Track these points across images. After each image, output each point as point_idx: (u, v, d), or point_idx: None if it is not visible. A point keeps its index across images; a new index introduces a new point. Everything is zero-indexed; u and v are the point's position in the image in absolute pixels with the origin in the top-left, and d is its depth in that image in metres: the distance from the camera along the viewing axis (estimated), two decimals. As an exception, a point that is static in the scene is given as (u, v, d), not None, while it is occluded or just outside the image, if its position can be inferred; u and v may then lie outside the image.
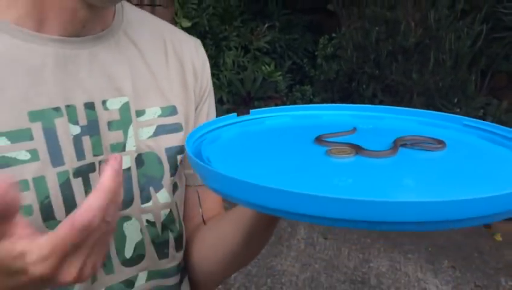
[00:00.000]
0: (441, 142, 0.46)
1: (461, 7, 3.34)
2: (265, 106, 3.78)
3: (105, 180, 0.36)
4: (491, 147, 0.48)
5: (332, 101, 3.54)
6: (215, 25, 4.08)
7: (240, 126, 0.54)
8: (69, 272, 0.37)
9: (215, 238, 0.65)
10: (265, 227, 0.57)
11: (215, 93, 4.10)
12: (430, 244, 2.80)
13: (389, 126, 0.55)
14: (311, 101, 3.74)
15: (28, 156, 0.52)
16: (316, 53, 3.84)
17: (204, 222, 0.67)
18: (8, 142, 0.51)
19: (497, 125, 0.49)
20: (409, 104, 3.13)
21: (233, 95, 3.89)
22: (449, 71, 3.03)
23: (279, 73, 4.00)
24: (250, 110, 0.55)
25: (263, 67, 4.00)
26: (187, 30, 3.92)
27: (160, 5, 3.85)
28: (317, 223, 0.29)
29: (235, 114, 0.54)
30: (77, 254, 0.36)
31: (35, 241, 0.35)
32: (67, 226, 0.35)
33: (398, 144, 0.45)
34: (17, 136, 0.51)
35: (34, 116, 0.52)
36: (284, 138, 0.51)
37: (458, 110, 3.00)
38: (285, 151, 0.47)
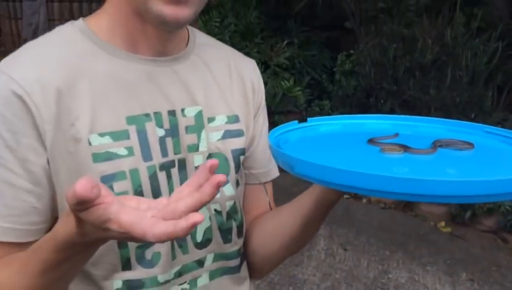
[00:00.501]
0: (470, 143, 0.57)
1: (477, 25, 3.44)
2: (285, 119, 3.89)
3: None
4: (508, 147, 0.59)
5: (351, 116, 3.63)
6: (237, 42, 4.22)
7: (301, 131, 0.65)
8: None
9: (276, 225, 0.75)
10: (321, 215, 0.68)
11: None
12: (449, 257, 2.85)
13: (424, 132, 0.66)
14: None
15: (125, 152, 0.63)
16: (335, 69, 3.95)
17: (271, 208, 0.78)
18: (111, 140, 0.62)
19: (505, 130, 0.59)
20: (426, 119, 3.21)
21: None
22: (466, 87, 3.12)
23: (298, 88, 4.12)
24: (307, 118, 0.66)
25: (283, 83, 4.12)
26: (209, 46, 4.06)
27: (185, 23, 4.01)
28: (389, 198, 0.40)
29: (296, 121, 0.65)
30: None
31: (120, 215, 0.42)
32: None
33: (437, 144, 0.56)
34: (118, 135, 0.63)
35: (130, 120, 0.64)
36: (340, 140, 0.62)
37: (475, 125, 3.07)
38: (345, 150, 0.58)
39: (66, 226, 0.47)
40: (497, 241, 3.03)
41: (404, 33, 3.41)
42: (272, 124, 0.63)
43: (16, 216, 0.60)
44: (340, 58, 3.87)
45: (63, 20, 4.48)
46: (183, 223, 0.40)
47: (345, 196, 3.33)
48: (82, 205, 0.41)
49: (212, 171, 0.44)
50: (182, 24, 0.63)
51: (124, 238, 0.45)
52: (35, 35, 5.07)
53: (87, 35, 0.65)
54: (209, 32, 4.09)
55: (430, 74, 3.23)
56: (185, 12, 0.61)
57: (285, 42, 4.40)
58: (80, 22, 0.67)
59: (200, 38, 0.75)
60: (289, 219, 0.71)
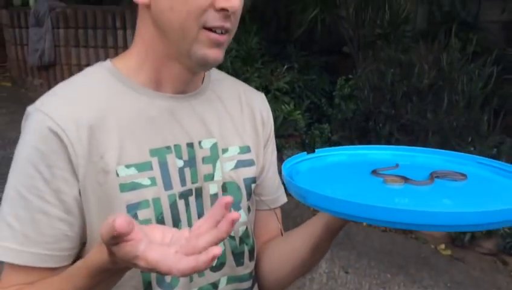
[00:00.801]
0: (463, 174, 0.63)
1: (472, 50, 3.54)
2: (286, 143, 3.95)
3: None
4: (499, 178, 0.65)
5: (350, 139, 3.69)
6: (238, 67, 4.31)
7: (310, 162, 0.71)
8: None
9: (287, 249, 0.80)
10: (329, 238, 0.73)
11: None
12: (449, 279, 2.87)
13: (422, 162, 0.72)
14: (329, 139, 3.89)
15: (149, 182, 0.68)
16: (334, 93, 4.03)
17: (282, 233, 0.84)
18: (136, 171, 0.68)
19: (503, 163, 0.66)
20: (425, 142, 3.26)
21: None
22: (462, 111, 3.19)
23: (298, 112, 4.19)
24: (315, 150, 0.71)
25: (283, 107, 4.19)
26: (211, 71, 4.15)
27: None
28: (391, 227, 0.45)
29: (305, 153, 0.71)
30: None
31: (146, 253, 0.47)
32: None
33: (434, 175, 0.61)
34: (142, 167, 0.68)
35: (153, 152, 0.70)
36: (346, 170, 0.68)
37: (472, 148, 3.13)
38: (351, 180, 0.63)
39: (100, 253, 0.52)
40: (496, 263, 3.05)
41: (401, 59, 3.50)
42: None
43: (50, 243, 0.65)
44: (339, 82, 3.95)
45: (68, 46, 4.55)
46: (204, 258, 0.45)
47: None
48: (115, 240, 0.46)
49: (228, 207, 0.49)
50: (218, 64, 0.71)
51: (150, 271, 0.50)
52: (40, 60, 5.17)
53: (115, 75, 0.72)
54: (211, 58, 4.19)
55: (427, 98, 3.30)
56: (221, 53, 0.69)
57: (285, 67, 4.49)
58: (108, 62, 0.73)
59: (214, 75, 0.82)
60: (299, 243, 0.76)
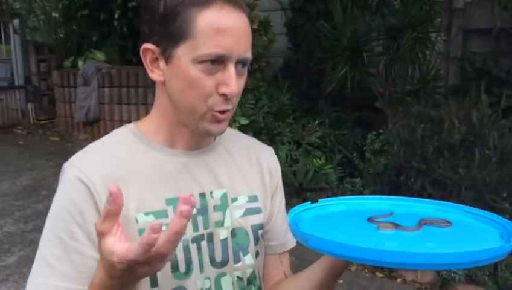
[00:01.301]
0: (449, 222, 0.70)
1: (503, 106, 3.54)
2: (317, 196, 3.98)
3: (175, 223, 0.57)
4: (481, 224, 0.72)
5: (382, 194, 3.68)
6: (270, 122, 4.45)
7: (314, 210, 0.78)
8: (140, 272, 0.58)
9: (295, 288, 0.86)
10: (332, 279, 0.80)
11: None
12: None
13: (415, 211, 0.78)
14: (361, 193, 3.89)
15: (164, 228, 0.76)
16: (365, 148, 4.07)
17: (286, 276, 0.91)
18: (154, 218, 0.78)
19: (486, 211, 0.72)
20: (458, 198, 3.23)
21: (287, 187, 4.11)
22: (495, 167, 3.15)
23: (330, 166, 4.24)
24: (319, 199, 0.79)
25: (314, 161, 4.26)
26: (244, 127, 4.30)
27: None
28: (381, 266, 0.53)
29: (309, 202, 0.79)
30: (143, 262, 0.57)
31: (120, 248, 0.56)
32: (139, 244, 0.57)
33: (422, 223, 0.68)
34: (159, 214, 0.78)
35: (169, 201, 0.79)
36: (345, 218, 0.75)
37: (507, 204, 3.07)
38: (349, 227, 0.71)
39: (98, 272, 0.62)
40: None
41: (432, 114, 3.53)
42: (304, 201, 0.77)
43: (84, 279, 0.74)
44: (370, 137, 4.00)
45: (112, 104, 4.86)
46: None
47: (379, 275, 3.31)
48: (107, 219, 0.57)
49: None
50: (222, 134, 0.82)
51: (146, 269, 0.58)
52: (86, 117, 5.50)
53: (137, 135, 0.84)
54: (244, 114, 4.35)
55: (458, 153, 3.29)
56: (224, 126, 0.79)
57: (316, 122, 4.60)
58: (132, 125, 0.86)
59: (226, 132, 0.92)
60: (305, 284, 0.82)
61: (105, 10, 5.84)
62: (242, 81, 0.78)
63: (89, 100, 5.44)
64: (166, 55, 0.76)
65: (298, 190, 4.04)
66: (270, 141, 4.43)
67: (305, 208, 0.77)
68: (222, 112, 0.77)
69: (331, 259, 0.75)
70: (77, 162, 0.79)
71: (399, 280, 3.35)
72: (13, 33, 6.83)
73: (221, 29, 0.73)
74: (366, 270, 3.38)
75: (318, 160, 4.28)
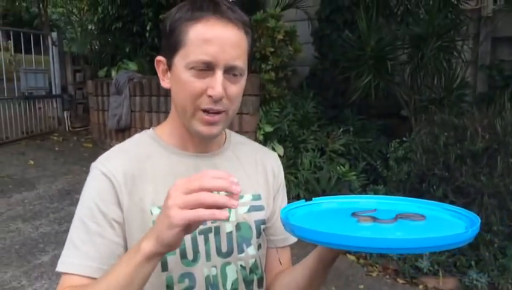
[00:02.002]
0: (422, 216, 0.77)
1: (530, 114, 3.50)
2: (339, 203, 4.02)
3: (226, 182, 0.68)
4: (453, 219, 0.78)
5: (405, 201, 3.69)
6: (294, 130, 4.53)
7: (307, 207, 0.86)
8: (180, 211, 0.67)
9: (290, 278, 0.96)
10: (322, 268, 0.87)
11: (293, 191, 4.39)
12: None
13: (398, 208, 0.84)
14: (383, 201, 3.91)
15: None
16: (388, 155, 4.10)
17: (280, 262, 1.00)
18: None
19: (462, 208, 0.78)
20: (481, 205, 3.22)
21: (310, 193, 4.19)
22: (518, 175, 3.14)
23: (354, 173, 4.28)
24: (313, 198, 0.88)
25: (338, 168, 4.31)
26: (269, 134, 4.39)
27: (247, 113, 4.41)
28: (356, 251, 0.62)
29: (304, 200, 0.87)
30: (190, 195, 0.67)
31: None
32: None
33: (398, 217, 0.76)
34: None
35: None
36: (334, 214, 0.83)
37: (531, 212, 3.05)
38: (334, 220, 0.79)
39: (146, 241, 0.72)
40: None
41: (455, 122, 3.54)
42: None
43: (104, 259, 0.85)
44: (393, 145, 4.03)
45: (142, 112, 5.06)
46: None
47: (401, 282, 3.33)
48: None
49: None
50: (214, 137, 0.91)
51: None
52: (118, 124, 5.71)
53: (154, 139, 0.95)
54: (269, 121, 4.45)
55: (481, 161, 3.29)
56: (215, 129, 0.88)
57: (341, 130, 4.65)
58: (150, 130, 0.97)
59: (235, 138, 1.02)
60: (299, 273, 0.91)
61: (138, 23, 6.09)
62: (235, 88, 0.87)
63: (121, 108, 5.66)
64: (169, 64, 0.89)
65: (321, 196, 4.09)
66: (295, 148, 4.50)
67: (299, 205, 0.86)
68: (209, 112, 0.86)
69: (320, 250, 0.83)
70: (102, 160, 0.91)
71: (420, 286, 3.35)
72: (51, 45, 7.15)
73: (208, 38, 0.82)
74: (388, 277, 3.41)
75: (342, 167, 4.33)
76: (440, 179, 3.44)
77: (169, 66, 0.89)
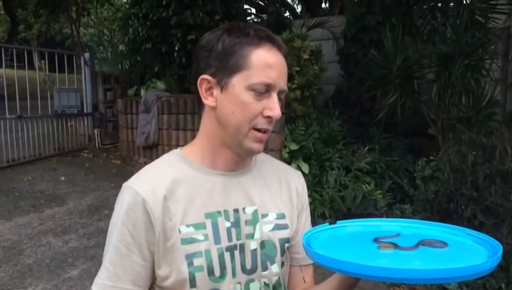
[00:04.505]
0: (445, 243, 0.77)
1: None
2: (365, 222, 3.99)
3: None
4: (476, 246, 0.78)
5: (432, 221, 3.64)
6: (320, 148, 4.54)
7: (331, 231, 0.89)
8: None
9: None
10: None
11: (318, 209, 4.37)
12: None
13: (422, 233, 0.85)
14: (410, 220, 3.86)
15: (202, 237, 0.91)
16: (415, 174, 4.06)
17: (304, 280, 1.03)
18: (194, 229, 0.91)
19: (484, 234, 0.78)
20: (511, 226, 3.15)
21: (335, 211, 4.17)
22: (549, 195, 3.06)
23: (379, 191, 4.24)
24: (337, 221, 0.90)
25: (363, 186, 4.28)
26: (294, 152, 4.41)
27: (273, 132, 4.42)
28: (378, 280, 0.65)
29: (327, 223, 0.90)
30: None
31: None
32: None
33: (420, 243, 0.77)
34: (198, 226, 0.92)
35: (207, 215, 0.93)
36: (357, 239, 0.85)
37: None
38: (355, 246, 0.81)
39: None
40: None
41: (483, 141, 3.49)
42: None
43: (132, 281, 0.90)
44: (420, 164, 3.99)
45: (170, 129, 5.16)
46: None
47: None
48: None
49: None
50: (260, 152, 0.96)
51: None
52: (146, 141, 5.83)
53: (183, 159, 0.99)
54: (294, 139, 4.48)
55: (511, 181, 3.23)
56: (262, 146, 0.94)
57: (366, 148, 4.63)
58: (178, 150, 1.01)
59: (260, 157, 1.06)
60: None
61: (166, 43, 6.24)
62: (280, 110, 0.94)
63: (149, 126, 5.78)
64: (222, 84, 0.93)
65: (346, 214, 4.07)
66: (320, 166, 4.50)
67: (323, 229, 0.88)
68: (263, 131, 0.92)
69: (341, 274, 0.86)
70: (133, 183, 0.95)
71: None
72: (84, 65, 7.39)
73: (270, 64, 0.90)
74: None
75: (367, 186, 4.30)
76: (468, 198, 3.39)
77: (222, 86, 0.93)
